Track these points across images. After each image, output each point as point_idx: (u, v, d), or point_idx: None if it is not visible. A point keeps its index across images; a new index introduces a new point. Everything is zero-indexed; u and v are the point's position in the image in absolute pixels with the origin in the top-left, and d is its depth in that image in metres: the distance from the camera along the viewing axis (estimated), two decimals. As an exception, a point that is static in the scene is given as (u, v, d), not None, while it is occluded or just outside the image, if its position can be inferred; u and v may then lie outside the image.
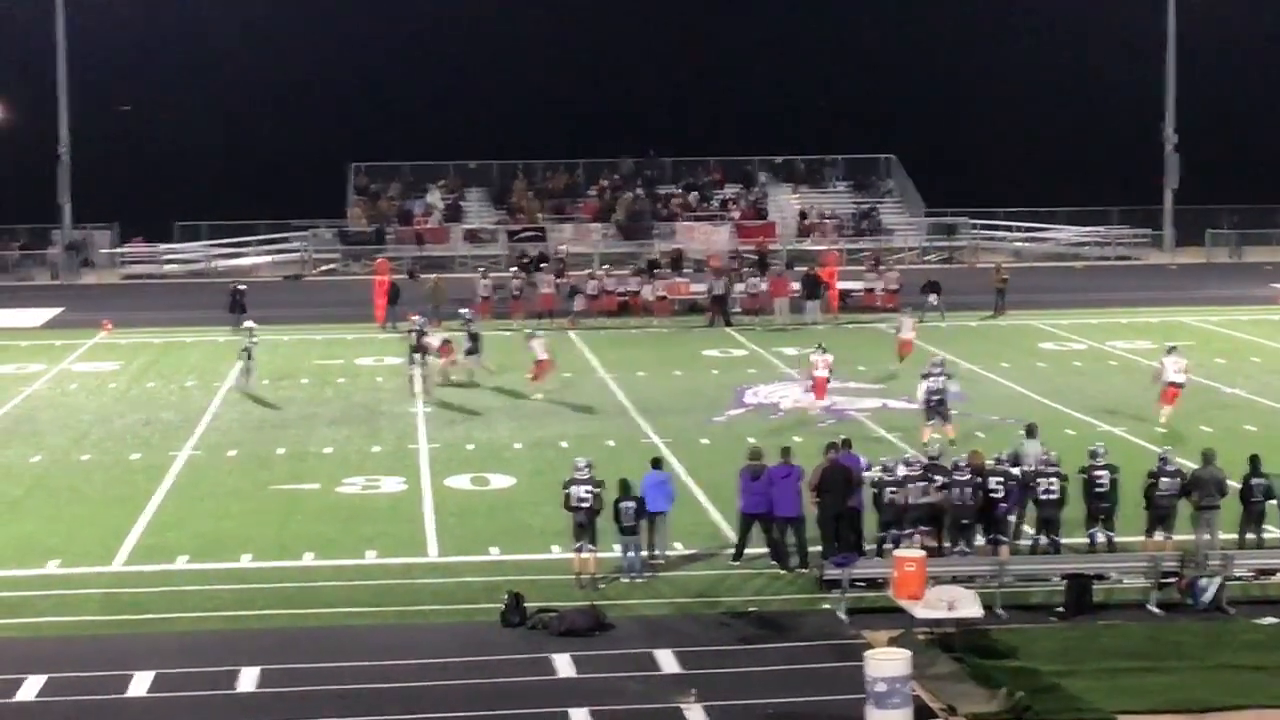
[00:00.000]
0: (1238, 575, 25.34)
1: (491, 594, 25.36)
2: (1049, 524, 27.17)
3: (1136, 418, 38.92)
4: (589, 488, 26.47)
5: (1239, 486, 27.39)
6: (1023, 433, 29.97)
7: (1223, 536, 27.04)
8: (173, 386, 45.50)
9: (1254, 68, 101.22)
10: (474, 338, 45.63)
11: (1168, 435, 36.20)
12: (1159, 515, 27.07)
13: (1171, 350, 39.67)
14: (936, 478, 26.99)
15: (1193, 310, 58.87)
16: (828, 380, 41.30)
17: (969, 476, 26.76)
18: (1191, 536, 26.86)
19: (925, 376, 37.23)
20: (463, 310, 48.34)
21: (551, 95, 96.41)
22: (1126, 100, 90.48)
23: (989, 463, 27.38)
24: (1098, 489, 27.29)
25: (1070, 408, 40.46)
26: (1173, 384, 38.50)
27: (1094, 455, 27.59)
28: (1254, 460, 27.57)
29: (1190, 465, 28.08)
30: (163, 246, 76.95)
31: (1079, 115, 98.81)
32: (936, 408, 36.45)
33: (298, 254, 76.44)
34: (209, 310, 58.93)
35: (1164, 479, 27.09)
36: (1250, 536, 27.31)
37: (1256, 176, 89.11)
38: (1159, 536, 26.99)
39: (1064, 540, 27.23)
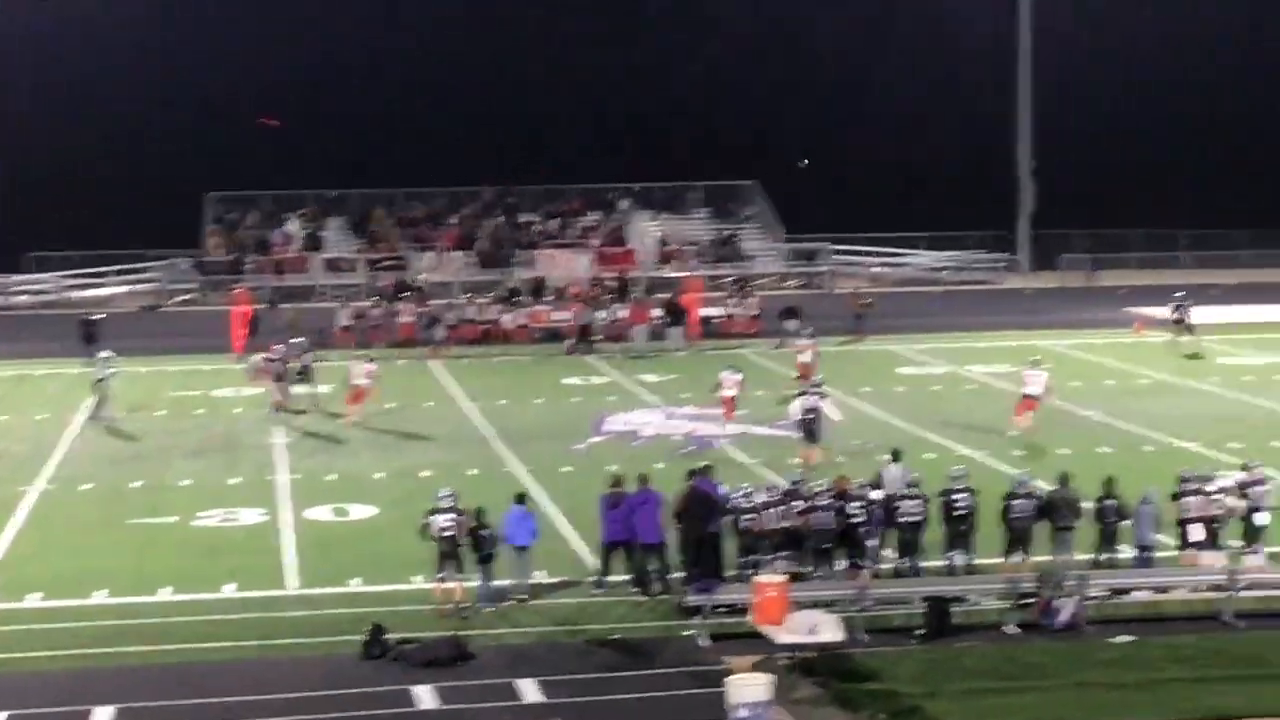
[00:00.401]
0: (1093, 595, 25.64)
1: (353, 626, 25.13)
2: (909, 547, 27.37)
3: (995, 440, 39.33)
4: (451, 517, 26.34)
5: (1094, 508, 27.73)
6: (888, 456, 30.18)
7: (1078, 557, 27.37)
8: (24, 420, 44.75)
9: (1106, 94, 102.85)
10: (304, 370, 45.63)
11: (1025, 457, 36.59)
12: (1016, 537, 27.35)
13: (1035, 363, 40.90)
14: (797, 503, 27.10)
15: (1048, 334, 59.61)
16: (734, 400, 41.63)
17: (829, 501, 26.91)
18: (1049, 557, 27.15)
19: (801, 395, 37.65)
20: (295, 340, 47.76)
21: (411, 124, 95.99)
22: (983, 126, 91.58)
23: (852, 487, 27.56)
24: (956, 512, 27.52)
25: (929, 431, 40.80)
26: (1028, 396, 39.62)
27: (953, 478, 27.84)
28: (1108, 482, 27.93)
29: (1047, 487, 28.38)
30: (14, 278, 75.72)
31: (937, 141, 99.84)
32: (810, 426, 36.77)
33: (154, 284, 75.54)
34: (62, 342, 58.01)
35: (1020, 501, 27.39)
36: (1105, 556, 27.65)
37: (1110, 201, 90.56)
38: (1017, 558, 27.25)
39: (924, 563, 27.43)
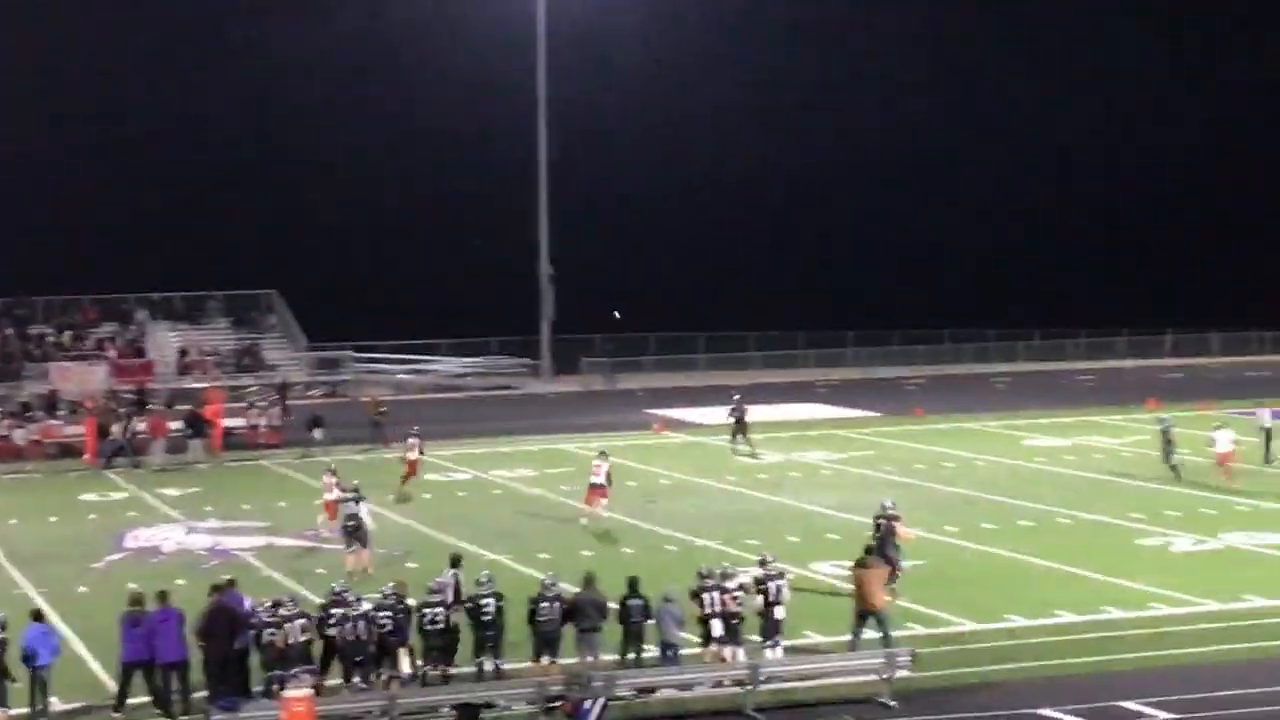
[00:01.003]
0: (620, 695, 25.90)
1: None
2: (438, 654, 27.19)
3: (519, 545, 39.57)
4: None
5: (618, 608, 28.06)
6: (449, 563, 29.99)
7: (605, 657, 27.63)
8: None
9: (624, 203, 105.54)
10: None
11: (549, 561, 36.87)
12: (544, 640, 27.46)
13: (602, 454, 43.30)
14: (335, 612, 26.71)
15: (572, 437, 60.40)
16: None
17: (360, 611, 26.58)
18: (576, 659, 27.34)
19: (342, 502, 37.24)
20: None
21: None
22: (504, 234, 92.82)
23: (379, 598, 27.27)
24: (484, 617, 27.48)
25: (456, 537, 40.74)
26: (595, 485, 42.21)
27: (479, 584, 27.82)
28: (632, 582, 28.30)
29: (572, 589, 28.61)
30: None
31: (459, 249, 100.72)
32: (354, 533, 36.48)
33: None
34: None
35: (546, 604, 27.53)
36: (630, 656, 27.98)
37: (628, 306, 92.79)
38: (545, 660, 27.36)
39: (454, 670, 27.29)
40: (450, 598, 27.95)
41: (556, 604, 27.53)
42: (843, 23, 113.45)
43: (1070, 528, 41.09)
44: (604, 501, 42.55)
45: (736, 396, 57.74)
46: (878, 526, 34.08)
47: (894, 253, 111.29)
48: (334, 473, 41.49)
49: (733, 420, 56.19)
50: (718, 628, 27.77)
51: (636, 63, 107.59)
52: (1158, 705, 25.40)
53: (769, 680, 26.47)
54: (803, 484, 49.13)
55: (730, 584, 28.18)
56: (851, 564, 29.76)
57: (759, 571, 28.71)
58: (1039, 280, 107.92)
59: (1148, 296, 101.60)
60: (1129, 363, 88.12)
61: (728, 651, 27.63)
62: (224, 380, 73.62)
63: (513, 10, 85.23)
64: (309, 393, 76.52)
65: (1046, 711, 25.38)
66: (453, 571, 29.12)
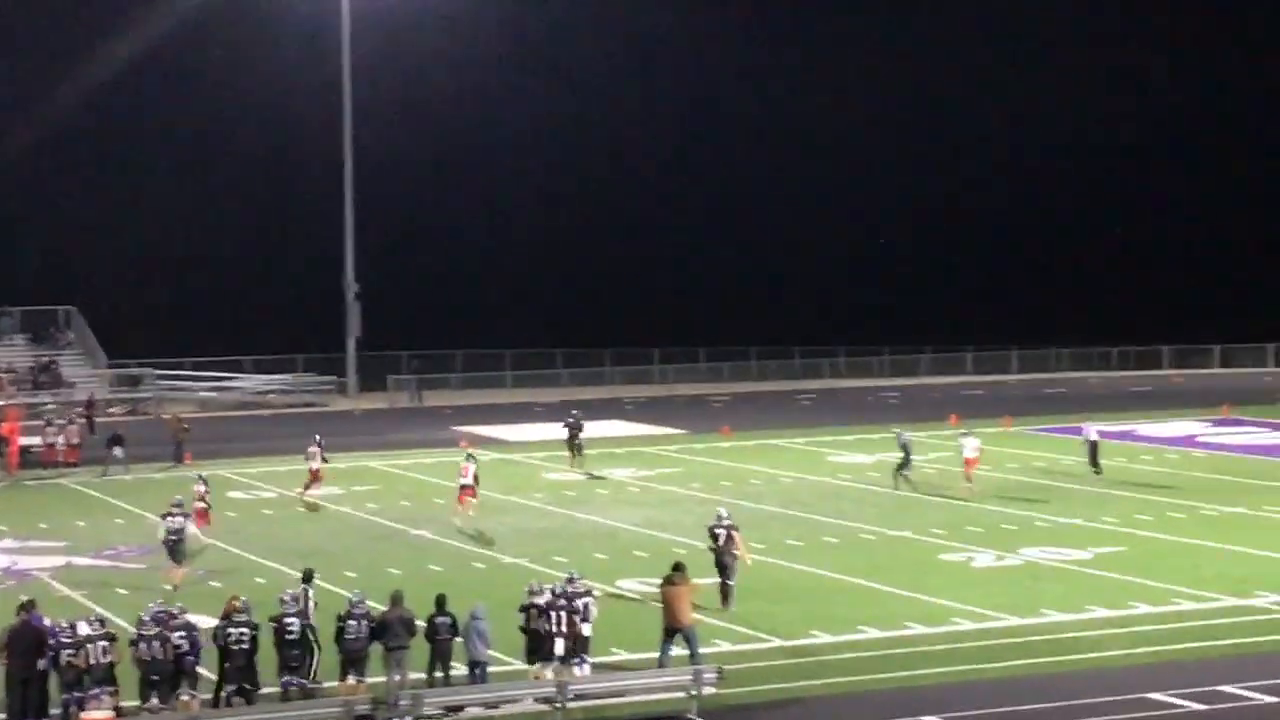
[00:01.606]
0: (428, 714, 25.73)
1: None
2: (241, 674, 26.80)
3: (327, 562, 39.18)
4: None
5: (426, 626, 27.88)
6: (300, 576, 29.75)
7: (413, 676, 27.44)
8: None
9: (429, 220, 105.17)
10: None
11: (357, 579, 36.54)
12: (351, 658, 27.21)
13: (470, 457, 45.95)
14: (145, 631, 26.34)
15: (379, 454, 60.00)
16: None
17: (155, 631, 26.14)
18: (384, 678, 27.12)
19: (165, 516, 37.18)
20: None
21: None
22: (310, 250, 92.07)
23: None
24: (288, 636, 27.16)
25: (261, 555, 40.28)
26: (465, 486, 44.63)
27: (284, 602, 27.51)
28: (440, 599, 28.14)
29: (380, 607, 28.37)
30: None
31: (265, 265, 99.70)
32: (174, 548, 36.42)
33: None
34: None
35: (352, 622, 27.29)
36: (438, 674, 27.81)
37: (434, 323, 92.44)
38: (352, 679, 27.11)
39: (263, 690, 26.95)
40: (304, 608, 27.83)
41: (364, 622, 27.30)
42: (642, 45, 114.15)
43: (874, 544, 41.58)
44: (474, 501, 44.54)
45: (575, 413, 57.58)
46: (715, 536, 34.38)
47: (701, 271, 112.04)
48: (204, 481, 42.64)
49: (568, 437, 55.74)
50: (560, 647, 27.78)
51: (443, 83, 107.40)
52: None
53: (577, 698, 26.45)
54: (610, 501, 49.23)
55: (539, 600, 28.12)
56: (660, 581, 29.85)
57: (567, 588, 28.69)
58: (843, 299, 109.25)
59: (950, 315, 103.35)
60: (932, 380, 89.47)
61: (535, 670, 27.61)
62: (21, 398, 72.12)
63: (320, 24, 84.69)
64: (109, 410, 75.16)
65: (851, 726, 25.65)
66: (304, 586, 28.95)
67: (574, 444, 55.37)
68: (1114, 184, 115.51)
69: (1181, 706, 26.19)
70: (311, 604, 28.53)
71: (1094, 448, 51.72)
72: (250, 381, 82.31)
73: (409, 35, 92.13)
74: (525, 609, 28.04)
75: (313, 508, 47.60)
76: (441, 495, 50.08)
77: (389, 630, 27.36)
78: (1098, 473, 51.00)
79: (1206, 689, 27.00)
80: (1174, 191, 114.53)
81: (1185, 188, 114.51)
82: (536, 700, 26.48)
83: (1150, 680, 27.64)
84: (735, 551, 34.02)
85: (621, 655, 29.78)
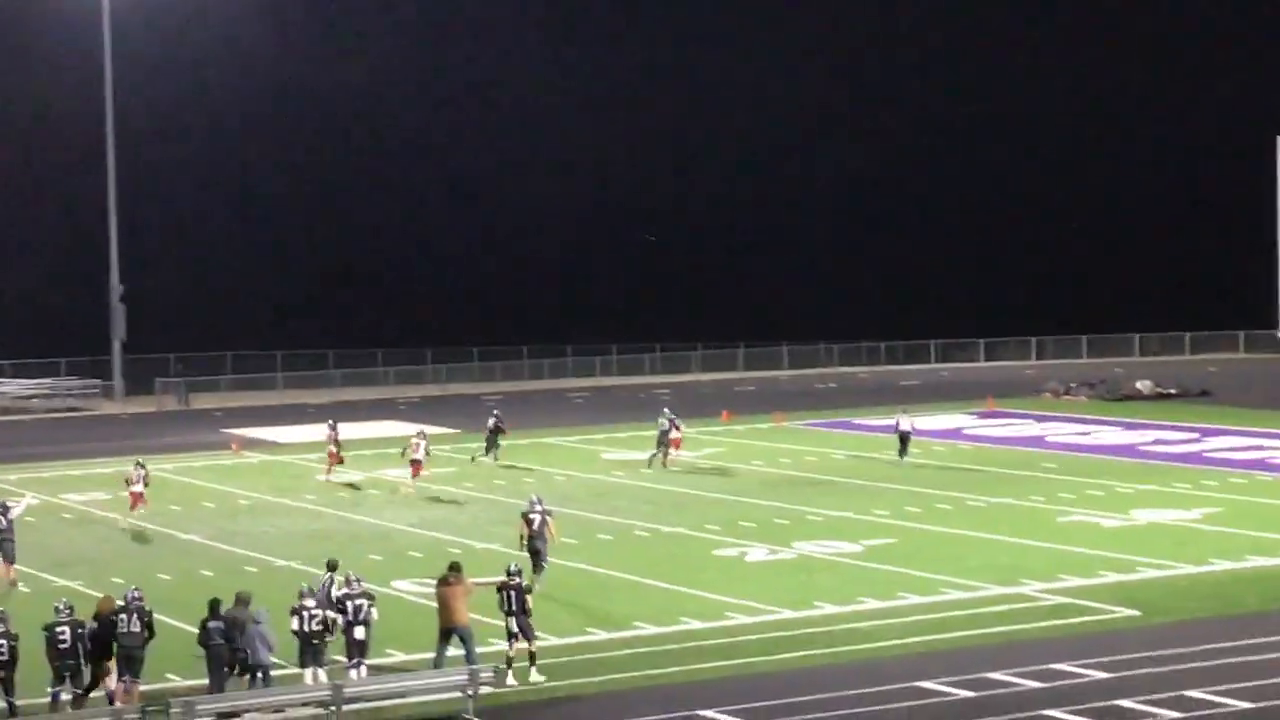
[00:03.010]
0: (202, 721, 25.36)
1: None
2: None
3: (95, 571, 38.45)
4: None
5: (198, 631, 27.46)
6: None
7: (190, 683, 27.01)
8: None
9: (197, 222, 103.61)
10: None
11: (124, 585, 35.79)
12: (126, 659, 26.79)
13: (420, 433, 50.43)
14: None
15: (146, 459, 58.84)
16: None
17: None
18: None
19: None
20: None
21: None
22: (74, 252, 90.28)
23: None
24: (60, 645, 26.59)
25: (25, 564, 39.34)
26: (414, 461, 49.09)
27: (58, 611, 26.94)
28: (213, 604, 27.72)
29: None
30: None
31: (25, 267, 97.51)
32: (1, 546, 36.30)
33: None
34: None
35: (61, 629, 26.75)
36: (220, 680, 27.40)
37: (203, 326, 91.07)
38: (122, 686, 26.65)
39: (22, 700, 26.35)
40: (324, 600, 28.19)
41: (78, 629, 26.78)
42: (447, 48, 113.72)
43: (649, 540, 41.80)
44: (424, 473, 49.56)
45: (496, 413, 57.52)
46: (529, 521, 35.38)
47: (472, 271, 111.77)
48: (142, 465, 45.16)
49: (489, 432, 55.82)
50: (360, 632, 27.91)
51: (209, 86, 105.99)
52: (735, 713, 26.02)
53: (353, 701, 26.22)
54: (384, 502, 48.91)
55: (309, 602, 27.86)
56: (435, 581, 29.72)
57: (342, 590, 28.47)
58: (614, 297, 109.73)
59: (720, 312, 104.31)
60: (704, 376, 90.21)
61: (308, 673, 27.32)
62: None
63: (85, 24, 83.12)
64: None
65: (628, 722, 25.75)
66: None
67: (494, 437, 55.62)
68: (883, 185, 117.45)
69: (950, 694, 26.70)
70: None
71: (904, 438, 52.97)
72: (11, 386, 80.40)
73: (171, 37, 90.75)
74: (296, 611, 27.72)
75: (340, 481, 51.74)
76: (211, 499, 49.40)
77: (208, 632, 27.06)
78: (904, 460, 52.61)
79: (975, 676, 27.56)
80: (939, 192, 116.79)
81: (950, 188, 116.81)
82: (312, 705, 26.20)
83: (920, 669, 28.14)
84: (548, 535, 35.40)
85: (398, 656, 29.60)
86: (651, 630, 31.80)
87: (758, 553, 39.65)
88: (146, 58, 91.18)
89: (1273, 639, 29.52)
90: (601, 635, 31.33)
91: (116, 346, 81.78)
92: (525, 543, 35.60)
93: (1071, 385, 74.38)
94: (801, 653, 29.82)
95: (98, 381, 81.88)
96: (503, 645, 28.96)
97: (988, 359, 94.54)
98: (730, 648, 30.24)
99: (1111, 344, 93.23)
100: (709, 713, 26.02)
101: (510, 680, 28.10)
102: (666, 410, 55.52)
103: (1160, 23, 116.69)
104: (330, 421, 53.56)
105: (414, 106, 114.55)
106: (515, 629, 28.53)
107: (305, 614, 27.60)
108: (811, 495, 47.65)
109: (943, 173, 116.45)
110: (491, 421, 56.21)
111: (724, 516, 44.49)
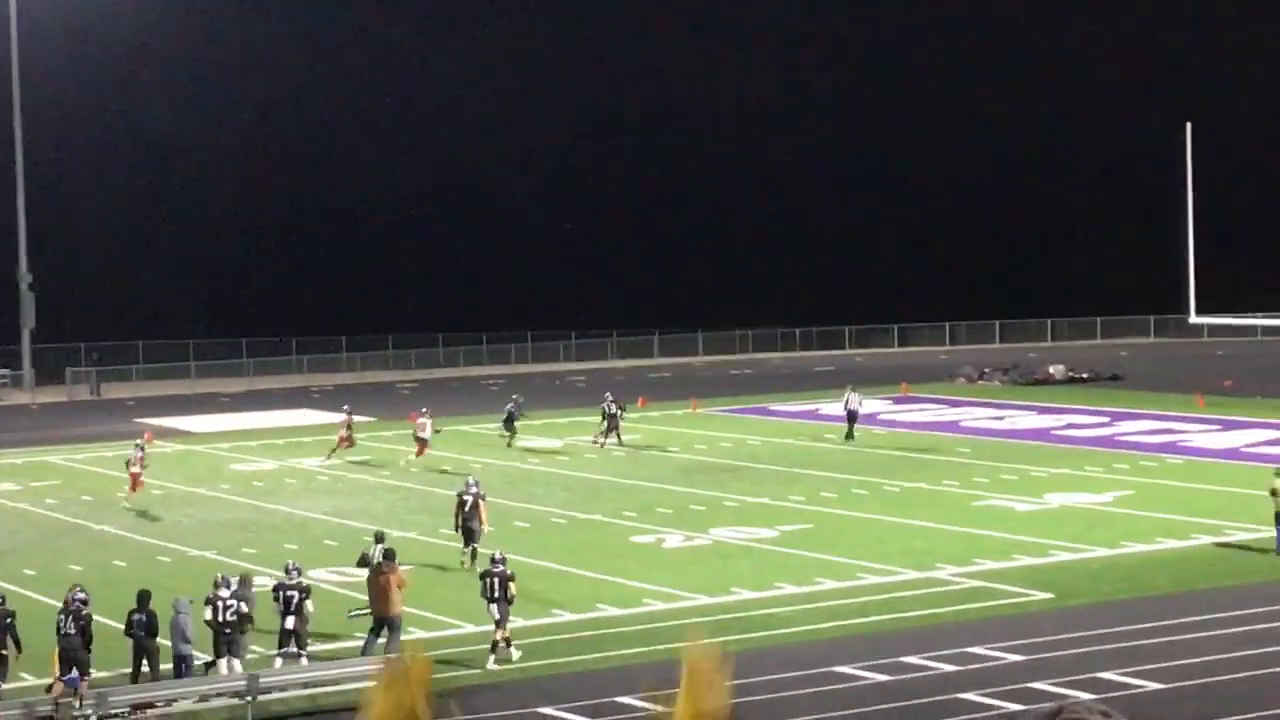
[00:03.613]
0: (114, 712, 25.14)
1: None
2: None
3: (4, 562, 38.09)
4: None
5: (125, 623, 27.28)
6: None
7: (101, 674, 26.80)
8: None
9: (106, 211, 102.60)
10: None
11: (35, 578, 35.54)
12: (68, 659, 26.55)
13: (424, 411, 52.23)
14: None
15: (58, 449, 58.44)
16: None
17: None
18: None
19: None
20: None
21: None
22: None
23: None
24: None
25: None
26: (419, 439, 51.38)
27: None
28: (142, 596, 27.53)
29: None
30: None
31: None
32: None
33: None
34: None
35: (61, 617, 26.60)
36: (145, 671, 27.19)
37: (115, 314, 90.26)
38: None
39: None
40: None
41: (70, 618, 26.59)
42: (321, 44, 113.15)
43: (565, 527, 41.79)
44: (428, 451, 51.20)
45: (515, 397, 58.34)
46: (463, 503, 36.59)
47: (385, 259, 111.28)
48: (141, 447, 47.33)
49: (505, 418, 56.67)
50: (291, 622, 27.99)
51: (118, 70, 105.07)
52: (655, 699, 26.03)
53: (271, 691, 26.09)
54: (299, 490, 48.67)
55: (224, 593, 27.70)
56: (366, 571, 29.66)
57: (279, 580, 28.53)
58: (529, 285, 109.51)
59: (635, 299, 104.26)
60: (620, 363, 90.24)
61: (223, 664, 27.18)
62: None
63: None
64: None
65: (547, 710, 25.73)
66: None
67: (511, 425, 56.43)
68: (797, 172, 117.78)
69: (867, 678, 26.85)
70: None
71: (853, 416, 53.59)
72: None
73: (77, 30, 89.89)
74: (210, 602, 27.55)
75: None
76: (125, 489, 49.02)
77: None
78: (850, 441, 53.72)
79: (891, 660, 27.73)
80: (853, 179, 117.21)
81: (864, 176, 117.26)
82: (227, 695, 26.05)
83: (837, 653, 28.28)
84: (481, 517, 36.55)
85: (314, 646, 29.44)
86: (569, 617, 31.81)
87: (674, 539, 39.71)
88: (56, 44, 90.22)
89: (1184, 620, 29.85)
90: (519, 622, 31.23)
91: (25, 335, 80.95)
92: (460, 523, 36.63)
93: (985, 370, 74.94)
94: (719, 639, 29.79)
95: (6, 371, 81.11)
96: (420, 633, 28.86)
97: (902, 345, 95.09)
98: (648, 634, 30.26)
99: (1024, 329, 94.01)
100: (627, 699, 26.04)
101: (491, 664, 28.36)
102: (609, 395, 55.87)
103: (1068, 9, 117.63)
104: (346, 408, 55.48)
105: (319, 94, 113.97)
106: (498, 615, 28.73)
107: (220, 604, 27.44)
108: (728, 481, 47.75)
109: (858, 160, 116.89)
110: (510, 407, 56.94)
111: (641, 503, 44.52)
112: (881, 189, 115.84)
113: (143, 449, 47.46)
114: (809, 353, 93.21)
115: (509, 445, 55.91)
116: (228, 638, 27.38)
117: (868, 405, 60.15)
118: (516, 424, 56.96)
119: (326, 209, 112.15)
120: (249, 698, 25.79)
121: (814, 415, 61.59)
